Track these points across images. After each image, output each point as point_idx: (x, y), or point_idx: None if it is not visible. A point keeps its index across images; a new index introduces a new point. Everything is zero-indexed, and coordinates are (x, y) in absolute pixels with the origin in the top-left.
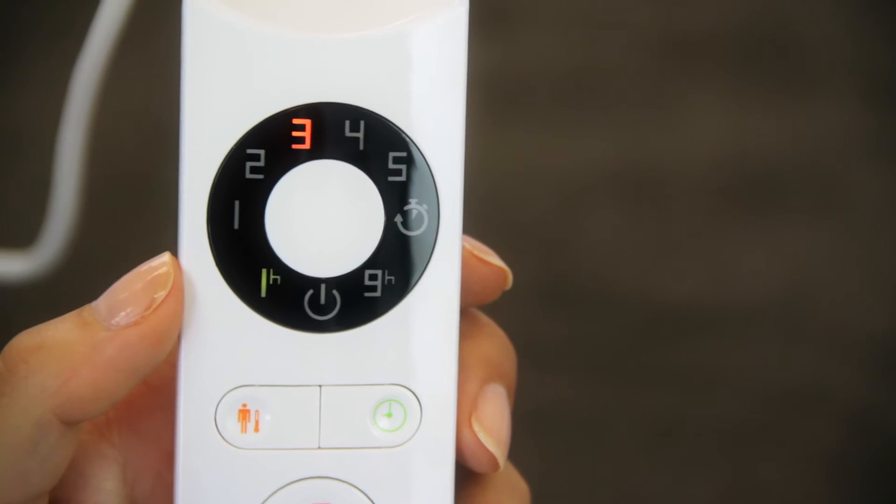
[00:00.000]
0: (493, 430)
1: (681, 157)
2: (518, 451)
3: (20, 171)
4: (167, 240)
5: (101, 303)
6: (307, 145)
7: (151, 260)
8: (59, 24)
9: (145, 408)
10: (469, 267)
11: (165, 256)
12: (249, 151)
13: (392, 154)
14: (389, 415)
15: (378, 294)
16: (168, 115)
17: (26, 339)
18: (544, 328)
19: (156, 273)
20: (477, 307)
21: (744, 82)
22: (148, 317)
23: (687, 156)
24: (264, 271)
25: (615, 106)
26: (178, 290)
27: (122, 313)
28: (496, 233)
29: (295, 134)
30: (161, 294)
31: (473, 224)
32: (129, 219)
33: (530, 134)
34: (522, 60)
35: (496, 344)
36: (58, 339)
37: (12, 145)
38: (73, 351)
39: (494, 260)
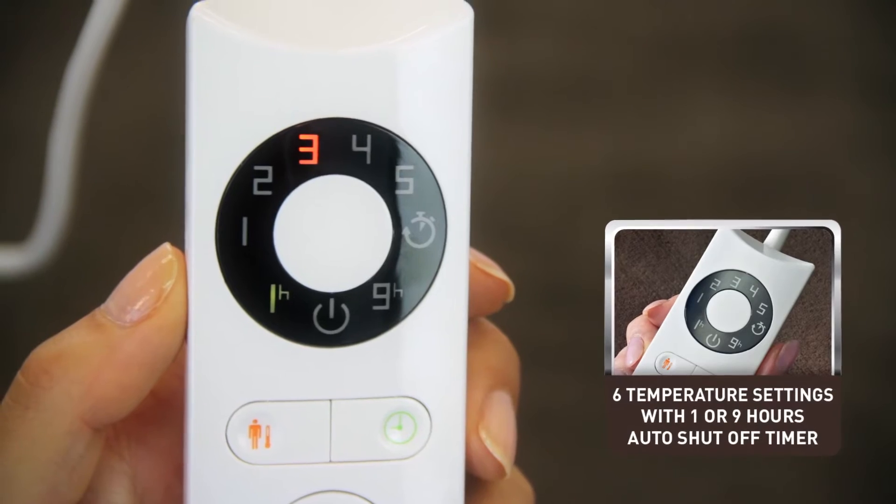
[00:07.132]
0: (500, 438)
1: (681, 158)
2: (519, 452)
3: (18, 168)
4: (163, 237)
5: (111, 303)
6: (314, 161)
7: (152, 253)
8: (58, 23)
9: (154, 421)
10: (473, 279)
11: (166, 246)
12: (257, 168)
13: (399, 168)
14: (400, 427)
15: (387, 307)
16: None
17: (44, 351)
18: (545, 329)
19: (160, 263)
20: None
21: (744, 82)
22: (160, 307)
23: (688, 156)
24: (273, 287)
25: (616, 107)
26: (182, 276)
27: (134, 308)
28: (497, 234)
29: (302, 150)
30: (169, 283)
31: (474, 226)
32: (125, 216)
33: (530, 135)
34: (522, 61)
35: (500, 351)
36: (75, 345)
37: (11, 143)
38: (93, 354)
39: (497, 273)
